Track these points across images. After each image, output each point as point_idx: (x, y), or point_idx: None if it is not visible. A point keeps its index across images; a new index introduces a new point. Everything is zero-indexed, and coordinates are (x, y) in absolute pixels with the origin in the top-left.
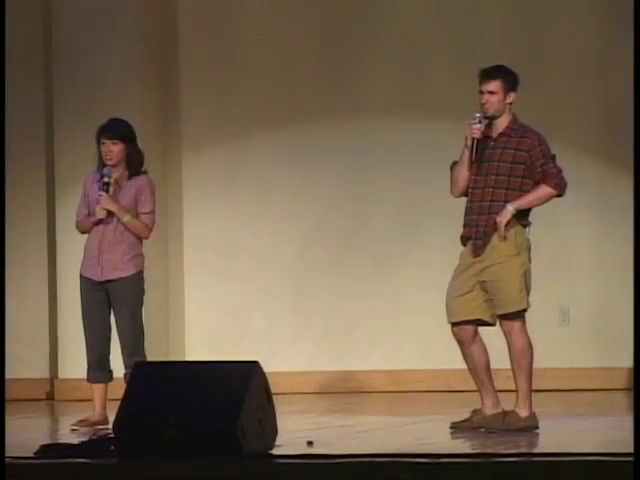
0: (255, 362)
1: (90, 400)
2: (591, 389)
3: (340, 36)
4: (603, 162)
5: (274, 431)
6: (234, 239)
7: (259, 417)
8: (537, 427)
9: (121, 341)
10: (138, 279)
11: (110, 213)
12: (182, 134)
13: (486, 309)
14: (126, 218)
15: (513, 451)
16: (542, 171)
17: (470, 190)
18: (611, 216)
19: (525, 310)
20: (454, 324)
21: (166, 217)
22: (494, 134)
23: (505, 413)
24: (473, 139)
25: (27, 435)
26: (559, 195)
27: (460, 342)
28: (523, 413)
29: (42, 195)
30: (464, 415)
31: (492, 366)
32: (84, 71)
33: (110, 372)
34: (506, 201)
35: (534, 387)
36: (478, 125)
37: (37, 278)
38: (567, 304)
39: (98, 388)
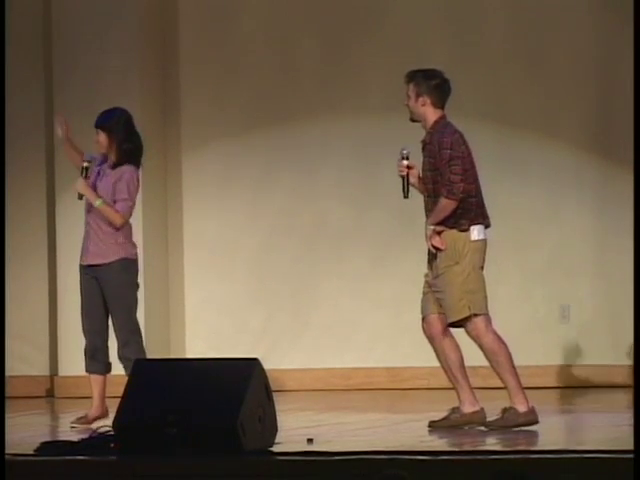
0: (255, 359)
1: (91, 397)
2: (591, 386)
3: (340, 34)
4: (603, 161)
5: (274, 428)
6: (234, 237)
7: (259, 414)
8: (537, 421)
9: (114, 331)
10: (121, 267)
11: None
12: (182, 133)
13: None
14: (97, 202)
15: (513, 448)
16: (441, 179)
17: None
18: (611, 214)
19: (472, 316)
20: (422, 319)
21: (166, 216)
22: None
23: (504, 410)
24: (402, 177)
25: (27, 432)
26: (454, 201)
27: (429, 338)
28: (521, 408)
29: (42, 193)
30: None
31: (485, 363)
32: (84, 70)
33: (106, 364)
34: None
35: (534, 384)
36: (403, 162)
37: (37, 276)
38: (568, 301)
39: (95, 380)
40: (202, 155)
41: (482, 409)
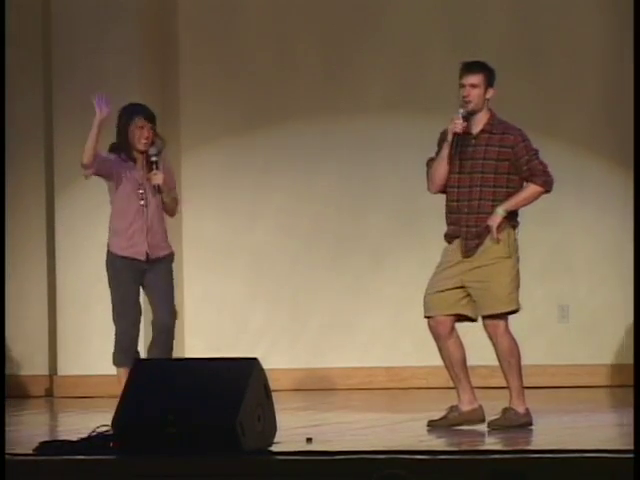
0: (254, 359)
1: (90, 397)
2: (590, 386)
3: (339, 33)
4: (603, 160)
5: (273, 428)
6: (233, 237)
7: (258, 414)
8: (532, 424)
9: (158, 319)
10: (172, 257)
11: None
12: (181, 132)
13: (466, 305)
14: (170, 196)
15: (512, 448)
16: (528, 168)
17: (455, 188)
18: (611, 214)
19: (515, 311)
20: (431, 317)
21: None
22: (474, 131)
23: (504, 410)
24: (454, 134)
25: (26, 432)
26: (547, 192)
27: (436, 336)
28: (521, 410)
29: (41, 195)
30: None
31: (486, 363)
32: (84, 71)
33: (138, 353)
34: (494, 199)
35: (533, 384)
36: (461, 121)
37: (37, 275)
38: (566, 301)
39: (125, 373)
40: (201, 155)
41: (480, 407)
